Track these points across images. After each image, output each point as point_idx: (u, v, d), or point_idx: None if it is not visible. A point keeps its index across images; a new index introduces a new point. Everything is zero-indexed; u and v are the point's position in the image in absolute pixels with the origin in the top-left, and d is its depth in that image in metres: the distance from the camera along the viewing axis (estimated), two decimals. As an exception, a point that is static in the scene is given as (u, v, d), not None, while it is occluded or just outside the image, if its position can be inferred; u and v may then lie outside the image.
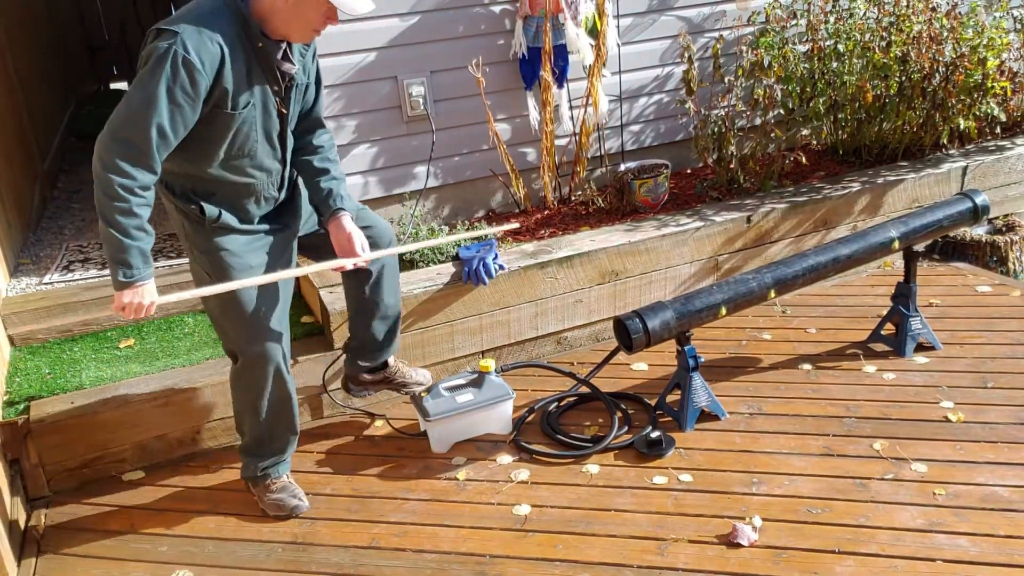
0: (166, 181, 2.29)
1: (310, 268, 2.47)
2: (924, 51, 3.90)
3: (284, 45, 2.18)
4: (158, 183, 2.19)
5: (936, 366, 3.13)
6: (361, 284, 2.64)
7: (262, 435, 2.53)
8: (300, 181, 2.50)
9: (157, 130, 1.98)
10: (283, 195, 2.42)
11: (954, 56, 3.93)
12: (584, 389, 3.11)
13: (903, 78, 3.98)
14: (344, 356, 2.90)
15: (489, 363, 2.89)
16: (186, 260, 3.60)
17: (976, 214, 3.15)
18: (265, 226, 2.39)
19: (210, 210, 2.25)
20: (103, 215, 2.02)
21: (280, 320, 2.39)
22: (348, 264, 2.37)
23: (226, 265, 2.29)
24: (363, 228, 2.46)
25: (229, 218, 2.29)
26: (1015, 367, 3.07)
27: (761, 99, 3.93)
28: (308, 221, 2.56)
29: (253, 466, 2.58)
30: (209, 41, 1.99)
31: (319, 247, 2.57)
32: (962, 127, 4.06)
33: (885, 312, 3.32)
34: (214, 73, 2.02)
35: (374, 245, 2.51)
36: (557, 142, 3.98)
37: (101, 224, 2.04)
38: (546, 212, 3.97)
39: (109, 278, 3.45)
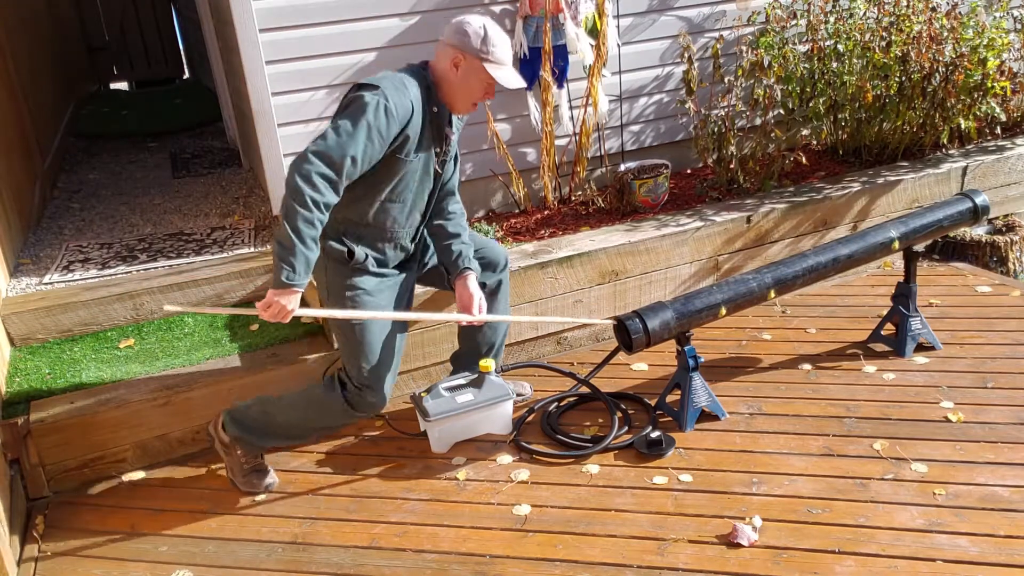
0: (330, 227, 2.50)
1: (430, 316, 2.78)
2: (924, 51, 3.90)
3: (448, 114, 2.52)
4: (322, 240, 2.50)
5: (936, 366, 3.13)
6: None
7: (278, 434, 2.65)
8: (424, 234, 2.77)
9: (351, 159, 2.25)
10: (412, 247, 2.68)
11: (954, 56, 3.93)
12: (584, 389, 3.11)
13: (903, 78, 3.98)
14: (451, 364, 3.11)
15: (489, 363, 2.89)
16: (186, 260, 3.63)
17: (976, 214, 3.15)
18: (393, 270, 2.63)
19: (359, 252, 2.51)
20: (287, 219, 2.22)
21: (395, 373, 2.61)
22: (464, 320, 2.64)
23: (361, 303, 2.53)
24: (477, 251, 2.77)
25: (370, 261, 2.54)
26: (1015, 367, 3.07)
27: (761, 99, 3.94)
28: (429, 260, 2.82)
29: (246, 438, 2.64)
30: (404, 97, 2.33)
31: (435, 280, 2.88)
32: (963, 127, 4.06)
33: (885, 312, 3.31)
34: (403, 124, 2.33)
35: (489, 265, 2.83)
36: (557, 142, 3.98)
37: (282, 228, 2.23)
38: (546, 212, 3.97)
39: (109, 278, 3.48)
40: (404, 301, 2.66)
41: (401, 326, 2.63)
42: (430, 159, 2.49)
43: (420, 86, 2.40)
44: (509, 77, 2.43)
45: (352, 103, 2.30)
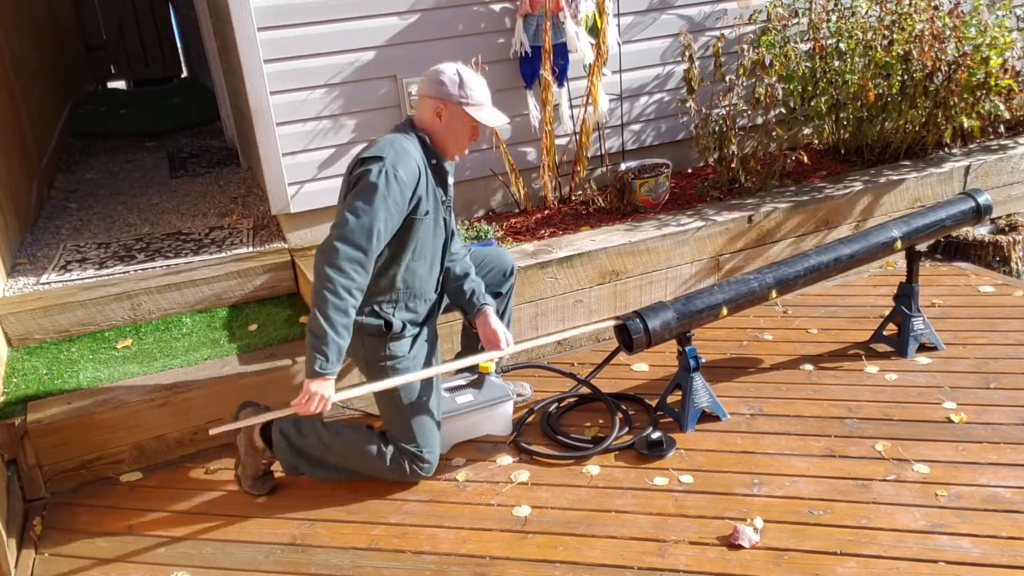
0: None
1: (462, 363, 2.68)
2: (926, 49, 3.89)
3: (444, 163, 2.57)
4: None
5: (938, 366, 3.12)
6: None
7: (331, 467, 2.67)
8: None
9: (376, 234, 2.31)
10: (435, 297, 2.71)
11: (956, 55, 3.92)
12: (584, 390, 3.09)
13: (905, 77, 3.97)
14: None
15: (489, 363, 2.88)
16: (184, 260, 3.62)
17: (979, 214, 3.14)
18: (421, 324, 2.67)
19: (396, 322, 2.53)
20: (319, 309, 2.27)
21: (438, 419, 2.66)
22: (495, 356, 2.65)
23: (403, 371, 2.55)
24: (483, 264, 2.81)
25: (407, 328, 2.57)
26: (1018, 367, 3.05)
27: (762, 98, 3.92)
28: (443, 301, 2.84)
29: (297, 463, 2.65)
30: (409, 161, 2.38)
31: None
32: (966, 126, 4.04)
33: (887, 312, 3.30)
34: (413, 186, 2.39)
35: (500, 272, 2.86)
36: (557, 141, 3.97)
37: (314, 317, 2.28)
38: (546, 212, 3.96)
39: (106, 278, 3.47)
40: (435, 349, 2.71)
41: (436, 387, 2.68)
42: (439, 210, 2.55)
43: (418, 146, 2.46)
44: (490, 117, 2.50)
45: (361, 180, 2.33)
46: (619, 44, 3.97)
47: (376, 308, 2.53)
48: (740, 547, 2.27)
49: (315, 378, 2.29)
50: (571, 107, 3.96)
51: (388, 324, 2.52)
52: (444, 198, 2.58)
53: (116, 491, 2.78)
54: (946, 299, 3.65)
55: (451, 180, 2.63)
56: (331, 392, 2.32)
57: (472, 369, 2.93)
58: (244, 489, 2.69)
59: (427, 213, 2.48)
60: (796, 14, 4.04)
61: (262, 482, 2.68)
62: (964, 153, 4.27)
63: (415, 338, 2.61)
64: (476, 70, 3.56)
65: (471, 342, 3.00)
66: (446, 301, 2.78)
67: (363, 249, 2.29)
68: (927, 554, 2.18)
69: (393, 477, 2.64)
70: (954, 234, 4.04)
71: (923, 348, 3.24)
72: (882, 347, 3.27)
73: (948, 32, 3.95)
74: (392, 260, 2.48)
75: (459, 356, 3.09)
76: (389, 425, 2.60)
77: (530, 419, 3.01)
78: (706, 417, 2.90)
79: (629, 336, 2.69)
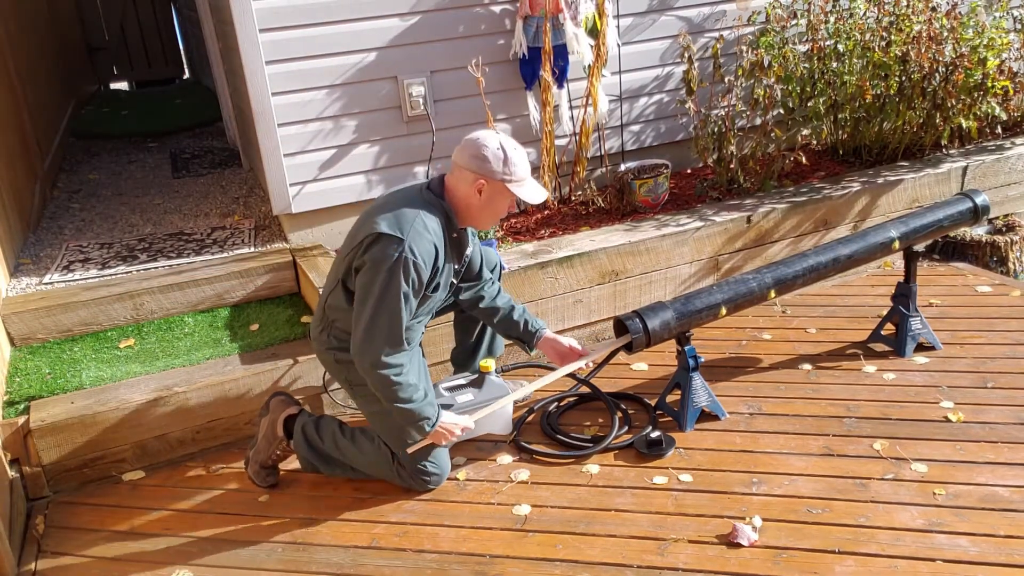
0: (341, 342, 2.52)
1: (546, 380, 2.73)
2: (924, 51, 3.90)
3: (467, 234, 2.58)
4: (329, 350, 2.55)
5: (936, 366, 3.13)
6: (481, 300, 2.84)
7: (347, 468, 2.69)
8: None
9: (403, 326, 2.36)
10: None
11: (954, 56, 3.93)
12: (584, 389, 3.11)
13: (903, 78, 3.98)
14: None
15: (489, 363, 2.89)
16: (186, 260, 3.63)
17: (976, 214, 3.15)
18: None
19: None
20: (388, 401, 2.39)
21: None
22: (582, 364, 2.73)
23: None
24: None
25: None
26: (1015, 367, 3.07)
27: (761, 99, 3.94)
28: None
29: (313, 461, 2.69)
30: (428, 242, 2.35)
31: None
32: (964, 127, 4.06)
33: (885, 312, 3.31)
34: (431, 267, 2.39)
35: (488, 267, 2.82)
36: (557, 142, 3.98)
37: (392, 407, 2.40)
38: (546, 212, 3.97)
39: (109, 278, 3.49)
40: (421, 355, 2.69)
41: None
42: (450, 276, 2.55)
43: (439, 219, 2.41)
44: (533, 193, 2.45)
45: (379, 262, 2.30)
46: (619, 45, 3.99)
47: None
48: (739, 545, 2.28)
49: (433, 431, 2.45)
50: (571, 108, 3.98)
51: None
52: (457, 267, 2.57)
53: (118, 490, 2.80)
54: (944, 299, 3.66)
55: (470, 248, 2.61)
56: (452, 422, 2.49)
57: (472, 368, 2.94)
58: (249, 475, 2.71)
59: (437, 288, 2.47)
60: (795, 15, 4.06)
61: (267, 473, 2.70)
62: (962, 154, 4.28)
63: None
64: (477, 71, 3.59)
65: (464, 338, 3.01)
66: (441, 305, 2.76)
67: (399, 345, 2.35)
68: (925, 552, 2.19)
69: (407, 486, 2.64)
70: (952, 234, 4.06)
71: (921, 348, 3.25)
72: (880, 347, 3.29)
73: (946, 33, 3.96)
74: None
75: (454, 358, 3.08)
76: (392, 447, 2.56)
77: (530, 418, 3.02)
78: (705, 416, 2.91)
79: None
